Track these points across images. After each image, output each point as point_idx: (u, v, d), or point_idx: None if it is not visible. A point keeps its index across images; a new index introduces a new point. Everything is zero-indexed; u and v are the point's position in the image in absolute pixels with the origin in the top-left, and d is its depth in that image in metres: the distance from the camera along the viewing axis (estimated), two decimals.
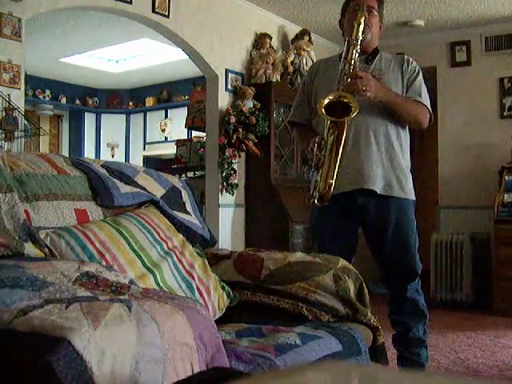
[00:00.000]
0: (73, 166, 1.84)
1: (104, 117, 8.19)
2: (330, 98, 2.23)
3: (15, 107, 3.38)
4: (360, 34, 2.36)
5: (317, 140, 2.30)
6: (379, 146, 2.42)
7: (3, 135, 3.39)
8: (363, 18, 2.37)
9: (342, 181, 2.34)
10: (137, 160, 7.85)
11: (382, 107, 2.41)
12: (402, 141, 2.49)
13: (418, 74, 2.51)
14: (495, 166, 5.05)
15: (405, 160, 2.49)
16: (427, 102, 2.48)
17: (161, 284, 1.62)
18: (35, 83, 7.15)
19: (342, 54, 2.38)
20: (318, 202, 2.30)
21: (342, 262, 1.97)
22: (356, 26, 2.36)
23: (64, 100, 7.75)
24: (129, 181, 1.95)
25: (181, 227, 1.97)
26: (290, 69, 5.04)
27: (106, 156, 7.99)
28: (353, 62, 2.32)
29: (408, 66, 2.50)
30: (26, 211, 1.54)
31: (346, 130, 2.24)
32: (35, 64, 6.45)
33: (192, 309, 1.16)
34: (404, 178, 2.46)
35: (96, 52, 6.51)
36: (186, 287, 1.71)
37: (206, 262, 1.90)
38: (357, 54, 2.33)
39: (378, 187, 2.40)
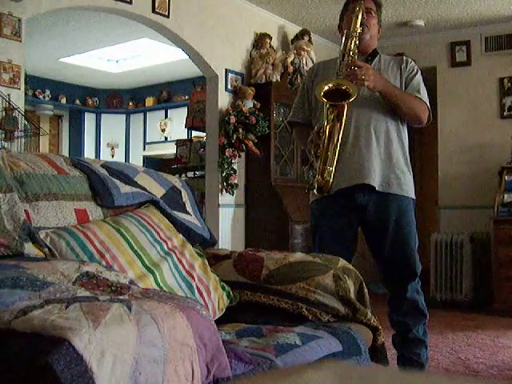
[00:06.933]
0: (73, 166, 1.84)
1: (104, 117, 8.19)
2: (330, 85, 2.23)
3: (15, 107, 3.38)
4: (358, 26, 2.36)
5: (316, 129, 2.29)
6: (379, 142, 2.41)
7: (3, 135, 3.38)
8: (361, 12, 2.37)
9: (342, 177, 2.34)
10: (137, 160, 7.84)
11: (382, 104, 2.41)
12: (402, 138, 2.48)
13: (416, 72, 2.51)
14: (495, 166, 5.05)
15: (404, 158, 2.48)
16: (426, 99, 2.48)
17: (161, 284, 1.62)
18: (35, 83, 7.14)
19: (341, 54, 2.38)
20: (318, 191, 2.28)
21: (342, 262, 1.97)
22: (354, 18, 2.36)
23: (64, 100, 7.75)
24: (129, 181, 1.95)
25: (181, 227, 1.97)
26: (290, 69, 5.04)
27: (105, 156, 7.99)
28: (351, 53, 2.32)
29: (406, 65, 2.51)
30: (26, 211, 1.54)
31: (346, 116, 2.22)
32: (35, 64, 6.45)
33: (192, 309, 1.16)
34: (403, 176, 2.44)
35: (96, 52, 6.51)
36: (186, 287, 1.71)
37: (206, 262, 1.90)
38: (355, 46, 2.33)
39: (377, 183, 2.38)
